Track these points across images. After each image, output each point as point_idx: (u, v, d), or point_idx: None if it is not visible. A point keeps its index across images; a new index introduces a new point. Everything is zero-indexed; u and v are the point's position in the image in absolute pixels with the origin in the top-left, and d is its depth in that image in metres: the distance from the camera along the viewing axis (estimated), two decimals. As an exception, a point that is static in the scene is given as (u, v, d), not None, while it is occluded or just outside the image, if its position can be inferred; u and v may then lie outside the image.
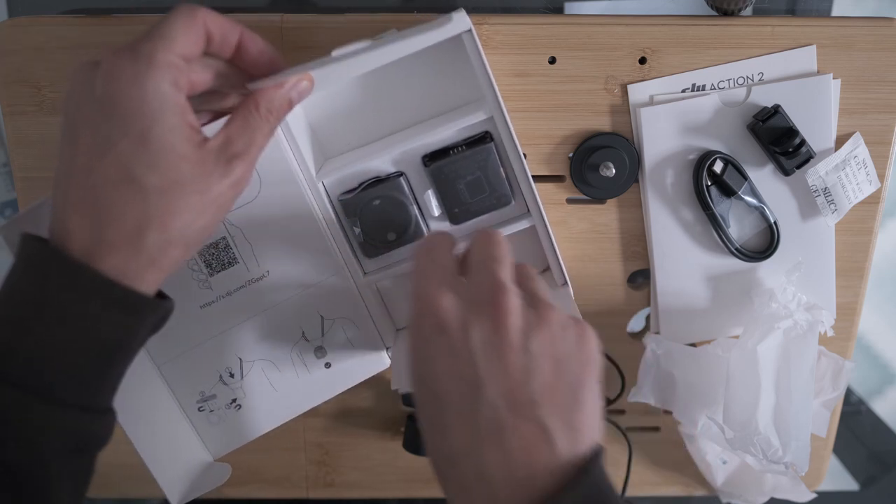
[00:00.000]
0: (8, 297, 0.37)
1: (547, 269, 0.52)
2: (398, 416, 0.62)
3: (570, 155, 0.54)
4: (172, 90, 0.36)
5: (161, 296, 0.40)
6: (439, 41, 0.42)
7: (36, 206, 0.44)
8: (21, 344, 0.35)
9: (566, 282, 0.51)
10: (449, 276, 0.38)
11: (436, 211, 0.50)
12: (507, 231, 0.50)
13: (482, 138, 0.49)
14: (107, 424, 0.39)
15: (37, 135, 0.52)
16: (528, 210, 0.50)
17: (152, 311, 0.38)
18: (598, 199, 0.55)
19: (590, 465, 0.33)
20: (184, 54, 0.37)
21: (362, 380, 0.54)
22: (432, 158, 0.49)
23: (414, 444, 0.60)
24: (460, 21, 0.43)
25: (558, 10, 0.63)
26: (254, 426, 0.53)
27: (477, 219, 0.51)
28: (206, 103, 0.43)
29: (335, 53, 0.43)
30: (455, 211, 0.50)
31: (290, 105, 0.41)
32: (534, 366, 0.34)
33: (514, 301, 0.35)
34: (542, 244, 0.51)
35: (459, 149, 0.49)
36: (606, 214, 0.56)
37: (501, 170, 0.49)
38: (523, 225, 0.50)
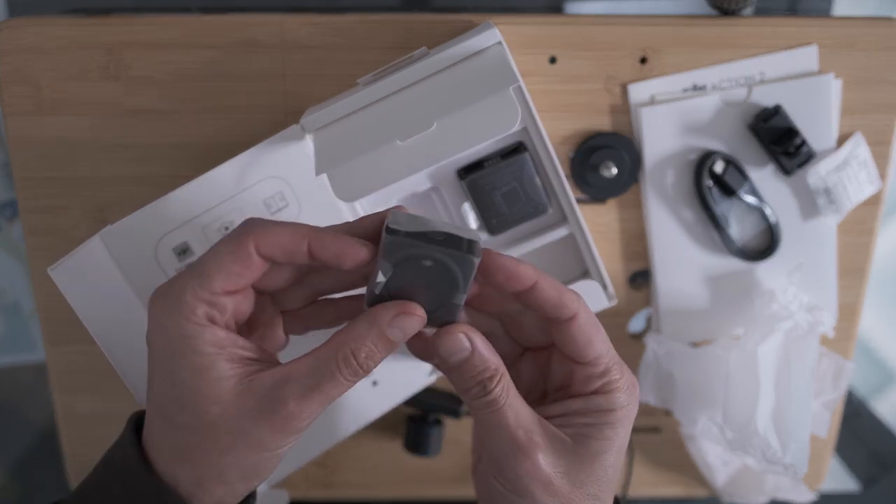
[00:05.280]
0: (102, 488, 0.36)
1: (584, 275, 0.53)
2: (398, 416, 0.62)
3: (571, 155, 0.54)
4: (198, 329, 0.35)
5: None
6: (483, 72, 0.43)
7: (83, 250, 0.45)
8: None
9: (605, 286, 0.52)
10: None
11: (473, 223, 0.51)
12: (545, 240, 0.51)
13: (516, 149, 0.49)
14: None
15: (37, 135, 0.52)
16: (565, 218, 0.51)
17: None
18: (599, 199, 0.55)
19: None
20: (224, 289, 0.35)
21: (410, 395, 0.54)
22: (467, 171, 0.50)
23: (414, 444, 0.60)
24: (490, 36, 0.44)
25: (558, 10, 0.63)
26: (304, 451, 0.53)
27: (514, 228, 0.51)
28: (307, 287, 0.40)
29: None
30: (493, 222, 0.51)
31: (389, 350, 0.36)
32: None
33: None
34: (582, 252, 0.51)
35: (494, 160, 0.49)
36: (607, 214, 0.56)
37: (537, 179, 0.49)
38: (561, 233, 0.51)
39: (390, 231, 0.34)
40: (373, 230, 0.37)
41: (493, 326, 0.41)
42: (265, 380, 0.35)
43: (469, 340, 0.35)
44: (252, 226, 0.36)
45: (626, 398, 0.37)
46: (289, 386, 0.34)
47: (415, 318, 0.35)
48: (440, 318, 0.36)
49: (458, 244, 0.34)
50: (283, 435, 0.35)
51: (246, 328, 0.39)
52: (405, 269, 0.35)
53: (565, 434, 0.37)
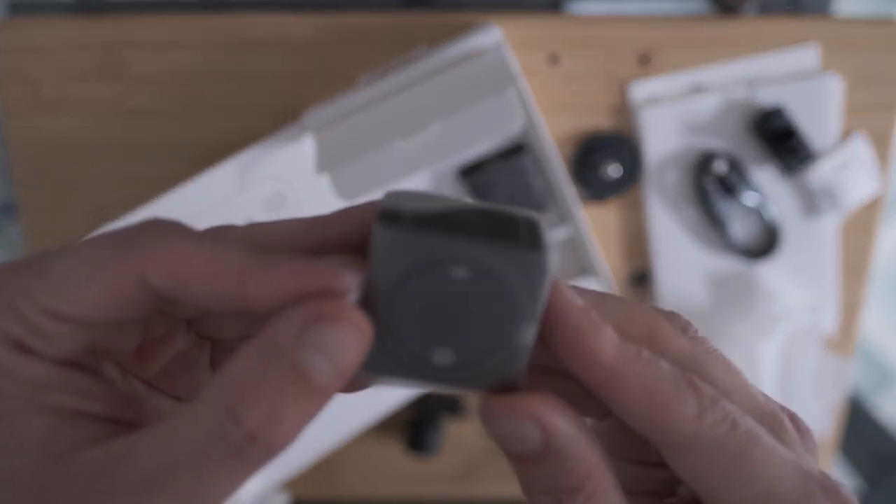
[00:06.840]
0: None
1: (584, 275, 0.53)
2: (398, 416, 0.62)
3: (571, 155, 0.54)
4: (1, 355, 0.19)
5: None
6: (485, 76, 0.43)
7: (77, 245, 0.45)
8: None
9: (606, 286, 0.52)
10: None
11: None
12: None
13: (516, 149, 0.50)
14: None
15: (37, 135, 0.52)
16: (566, 218, 0.51)
17: None
18: (599, 199, 0.55)
19: None
20: (69, 316, 0.19)
21: (409, 396, 0.54)
22: (467, 171, 0.50)
23: (414, 444, 0.60)
24: (490, 36, 0.44)
25: (559, 10, 0.63)
26: (305, 451, 0.53)
27: None
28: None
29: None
30: None
31: (315, 400, 0.18)
32: None
33: None
34: (583, 252, 0.52)
35: (494, 160, 0.50)
36: (607, 214, 0.56)
37: (537, 179, 0.50)
38: (561, 233, 0.51)
39: (388, 218, 0.18)
40: (356, 230, 0.20)
41: None
42: (94, 457, 0.19)
43: (543, 429, 0.18)
44: (151, 236, 0.20)
45: None
46: (123, 472, 0.18)
47: (345, 324, 0.18)
48: (492, 372, 0.19)
49: (510, 230, 0.19)
50: None
51: (135, 357, 0.22)
52: (418, 289, 0.19)
53: None
